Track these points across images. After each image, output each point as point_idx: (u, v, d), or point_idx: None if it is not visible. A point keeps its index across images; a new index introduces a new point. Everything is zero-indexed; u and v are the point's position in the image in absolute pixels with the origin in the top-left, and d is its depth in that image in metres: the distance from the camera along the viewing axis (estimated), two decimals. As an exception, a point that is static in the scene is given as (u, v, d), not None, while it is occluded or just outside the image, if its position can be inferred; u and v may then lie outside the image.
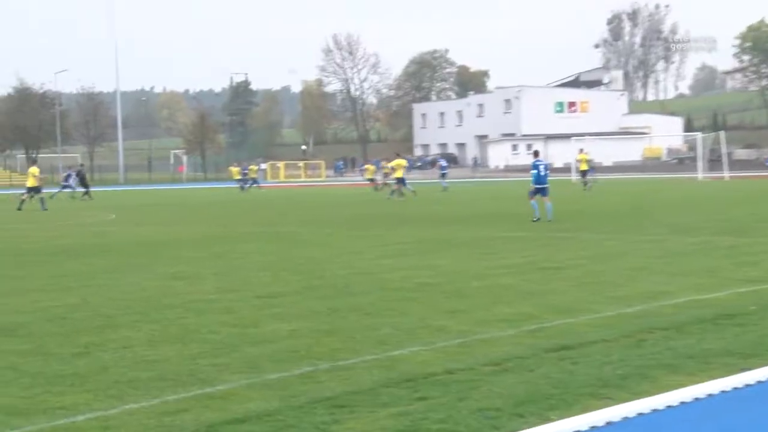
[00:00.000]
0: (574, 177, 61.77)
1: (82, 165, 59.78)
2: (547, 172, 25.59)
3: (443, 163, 57.98)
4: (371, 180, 53.29)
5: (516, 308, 10.60)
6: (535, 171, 25.24)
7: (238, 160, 78.57)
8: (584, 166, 49.20)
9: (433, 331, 9.33)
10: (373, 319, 10.08)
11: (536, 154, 26.75)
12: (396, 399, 6.85)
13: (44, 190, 40.80)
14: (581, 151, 51.36)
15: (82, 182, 52.22)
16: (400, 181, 41.36)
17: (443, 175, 53.86)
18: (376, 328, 9.54)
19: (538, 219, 24.29)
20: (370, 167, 55.13)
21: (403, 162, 43.32)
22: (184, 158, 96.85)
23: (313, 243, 19.96)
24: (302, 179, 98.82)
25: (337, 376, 7.53)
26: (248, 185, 60.63)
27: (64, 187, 52.84)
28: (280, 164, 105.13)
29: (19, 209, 37.75)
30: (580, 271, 14.00)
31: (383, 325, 9.73)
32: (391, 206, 35.84)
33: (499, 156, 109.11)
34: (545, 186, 25.09)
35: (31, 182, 39.76)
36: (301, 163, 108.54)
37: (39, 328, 9.93)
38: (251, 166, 65.02)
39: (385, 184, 51.47)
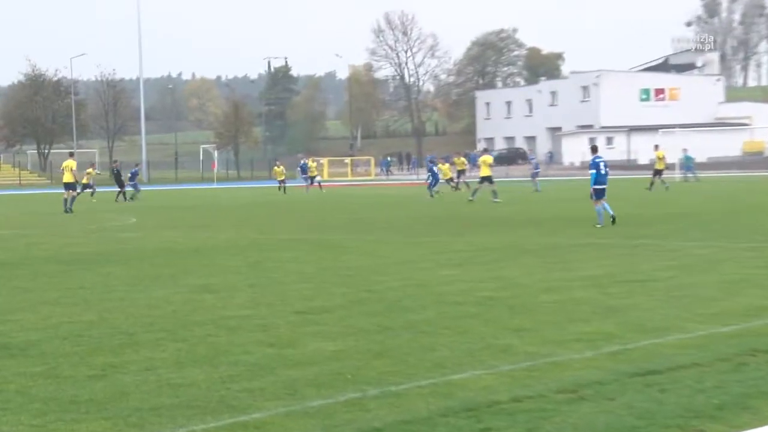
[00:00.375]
0: (678, 174, 61.50)
1: (115, 161, 60.59)
2: (607, 170, 25.33)
3: (535, 160, 57.96)
4: (449, 180, 53.15)
5: (593, 326, 10.54)
6: (594, 171, 24.96)
7: (278, 157, 78.71)
8: (660, 165, 49.08)
9: (497, 353, 9.30)
10: (428, 339, 10.07)
11: (594, 149, 26.14)
12: (455, 430, 6.83)
13: (79, 190, 41.11)
14: (657, 147, 51.18)
15: (118, 180, 52.86)
16: (486, 179, 41.14)
17: (535, 174, 53.85)
18: (432, 349, 9.53)
19: (602, 225, 24.16)
20: (445, 167, 54.65)
21: (489, 159, 43.01)
22: (215, 154, 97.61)
23: (360, 251, 19.99)
24: (349, 178, 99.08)
25: (387, 404, 7.52)
26: (310, 184, 60.17)
27: (133, 185, 53.69)
28: (324, 161, 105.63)
29: (69, 211, 37.95)
30: (667, 283, 13.88)
31: (440, 345, 9.72)
32: (452, 209, 35.78)
33: (575, 151, 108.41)
34: (605, 187, 24.87)
35: (67, 177, 39.63)
36: (347, 160, 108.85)
37: (52, 348, 10.05)
38: (311, 163, 64.29)
39: (464, 183, 51.75)
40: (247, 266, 17.41)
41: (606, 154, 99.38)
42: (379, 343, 9.88)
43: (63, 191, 39.80)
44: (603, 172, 24.93)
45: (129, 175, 54.13)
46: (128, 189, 52.56)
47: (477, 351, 9.40)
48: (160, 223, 31.04)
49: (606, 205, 24.70)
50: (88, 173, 52.48)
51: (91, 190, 51.96)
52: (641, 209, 32.17)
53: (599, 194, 24.81)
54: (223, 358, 9.33)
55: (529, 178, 55.33)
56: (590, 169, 25.29)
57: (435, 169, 48.91)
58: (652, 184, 48.06)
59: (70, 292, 14.26)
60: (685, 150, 62.52)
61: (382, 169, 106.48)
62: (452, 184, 52.20)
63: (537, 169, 55.00)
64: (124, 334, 10.72)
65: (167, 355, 9.54)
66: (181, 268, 17.27)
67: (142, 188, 56.64)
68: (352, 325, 10.93)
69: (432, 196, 45.88)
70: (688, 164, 62.40)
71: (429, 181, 48.25)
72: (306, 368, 8.80)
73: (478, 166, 42.91)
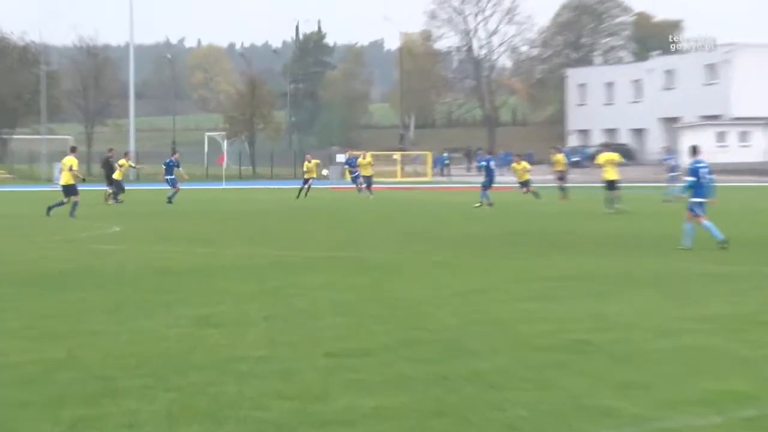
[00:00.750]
0: None
1: (111, 149, 60.52)
2: (711, 177, 25.17)
3: (672, 160, 55.88)
4: (524, 183, 52.99)
5: (723, 383, 10.46)
6: (693, 178, 24.81)
7: (309, 152, 78.91)
8: None
9: (594, 415, 9.26)
10: (500, 394, 10.04)
11: (695, 151, 26.05)
12: None
13: (110, 190, 41.25)
14: None
15: (108, 176, 52.98)
16: (611, 184, 40.81)
17: (673, 178, 52.16)
18: (504, 408, 9.49)
19: (690, 248, 24.29)
20: (519, 167, 54.05)
21: (614, 157, 42.38)
22: (224, 144, 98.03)
23: (412, 275, 20.03)
24: (398, 179, 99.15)
25: (445, 481, 7.48)
26: (367, 186, 60.41)
27: (171, 181, 54.16)
28: (367, 156, 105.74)
29: (46, 214, 38.38)
30: (822, 328, 13.72)
31: (515, 402, 9.67)
32: (535, 222, 35.68)
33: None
34: (706, 200, 24.70)
35: (65, 178, 39.09)
36: (396, 155, 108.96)
37: (7, 395, 10.09)
38: (360, 158, 64.50)
39: (562, 188, 51.76)
40: (264, 293, 17.46)
41: (739, 153, 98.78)
42: (435, 398, 9.85)
43: (62, 194, 39.31)
44: (704, 181, 24.81)
45: (164, 167, 54.39)
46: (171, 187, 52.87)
47: (565, 412, 9.35)
48: (150, 234, 31.24)
49: (708, 226, 24.46)
50: (122, 165, 52.68)
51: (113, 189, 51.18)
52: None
53: (698, 209, 24.64)
54: (229, 413, 9.33)
55: (665, 184, 53.68)
56: (688, 175, 25.15)
57: (492, 164, 48.81)
58: None
59: (33, 322, 14.35)
60: None
61: (436, 168, 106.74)
62: (525, 189, 52.01)
63: (674, 171, 52.68)
64: (101, 378, 10.74)
65: (156, 407, 9.55)
66: (176, 294, 17.34)
67: (128, 186, 56.57)
68: (400, 374, 10.91)
69: (480, 202, 46.41)
70: None
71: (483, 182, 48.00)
72: (338, 429, 8.79)
73: (601, 166, 42.04)
